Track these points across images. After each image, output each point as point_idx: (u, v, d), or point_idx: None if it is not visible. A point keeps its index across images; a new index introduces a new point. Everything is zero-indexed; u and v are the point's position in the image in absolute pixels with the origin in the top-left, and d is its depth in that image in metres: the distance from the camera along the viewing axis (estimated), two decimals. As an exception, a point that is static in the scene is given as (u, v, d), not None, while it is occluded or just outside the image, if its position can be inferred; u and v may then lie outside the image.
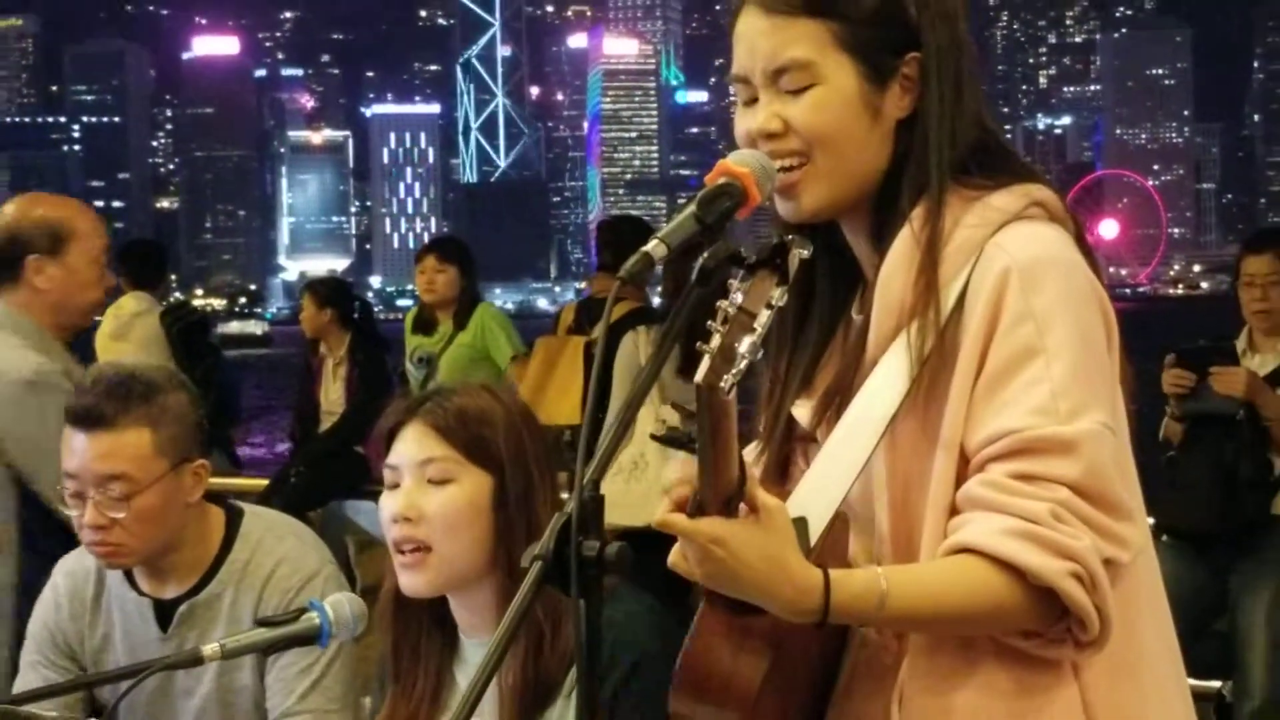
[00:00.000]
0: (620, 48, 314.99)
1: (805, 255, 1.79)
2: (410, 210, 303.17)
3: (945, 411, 1.93)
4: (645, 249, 1.83)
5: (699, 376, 1.71)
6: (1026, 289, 1.92)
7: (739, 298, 1.73)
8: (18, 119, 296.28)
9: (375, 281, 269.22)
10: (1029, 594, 1.86)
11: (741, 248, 1.80)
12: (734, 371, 1.71)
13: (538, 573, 1.77)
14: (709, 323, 1.72)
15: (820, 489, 1.96)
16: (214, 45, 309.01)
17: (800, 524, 1.89)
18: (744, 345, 1.72)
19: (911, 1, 2.01)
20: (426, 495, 2.49)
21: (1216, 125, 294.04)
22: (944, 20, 2.03)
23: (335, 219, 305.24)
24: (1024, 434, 1.88)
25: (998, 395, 1.91)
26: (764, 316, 1.73)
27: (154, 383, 3.01)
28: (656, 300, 6.76)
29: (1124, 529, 1.90)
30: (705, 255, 1.79)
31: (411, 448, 2.51)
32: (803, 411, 2.08)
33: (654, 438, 5.52)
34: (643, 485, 5.65)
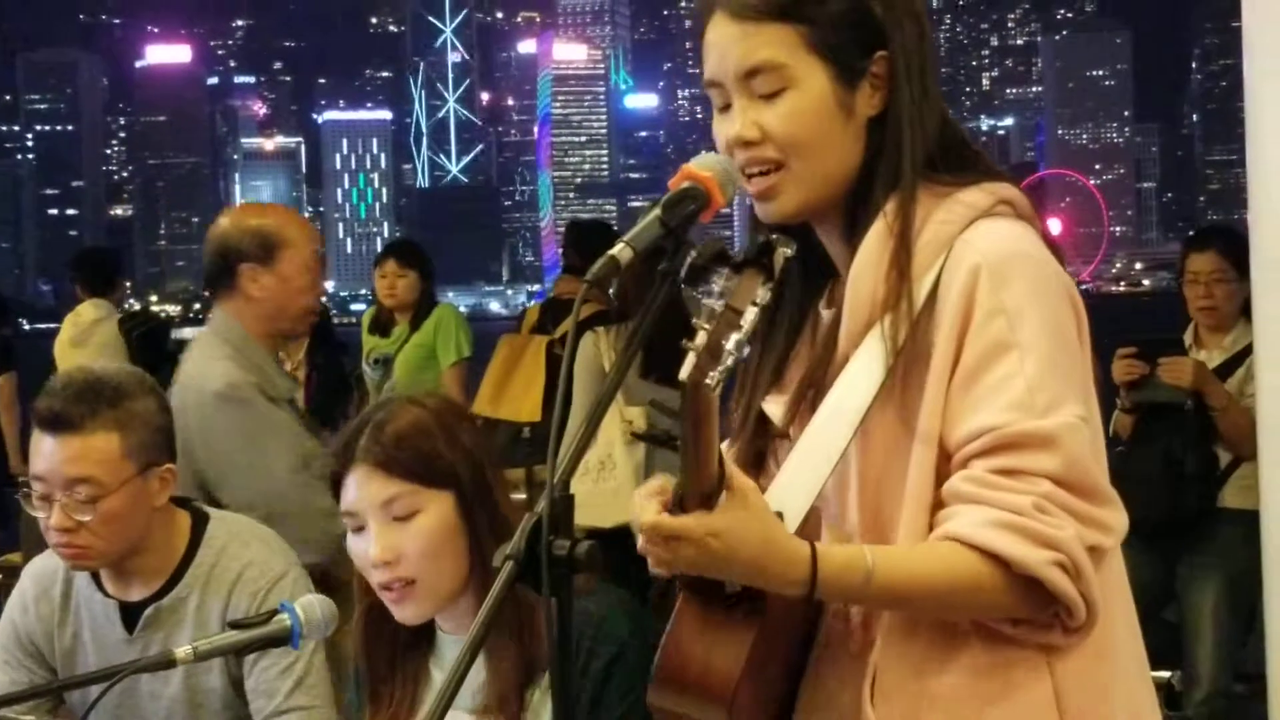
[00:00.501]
0: (569, 53, 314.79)
1: (790, 254, 1.80)
2: (363, 215, 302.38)
3: (921, 405, 1.94)
4: (611, 253, 1.85)
5: (684, 373, 1.71)
6: (997, 284, 1.93)
7: (725, 296, 1.74)
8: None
9: (330, 286, 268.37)
10: (1015, 583, 1.87)
11: (726, 247, 1.81)
12: (721, 369, 1.73)
13: (510, 572, 1.78)
14: (694, 320, 1.73)
15: (796, 484, 1.96)
16: (167, 54, 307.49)
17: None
18: (730, 343, 1.73)
19: (878, 2, 2.02)
20: (398, 533, 2.46)
21: (1156, 125, 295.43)
22: (910, 19, 2.05)
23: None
24: (1003, 430, 1.89)
25: (974, 390, 1.92)
26: (750, 314, 1.74)
27: (122, 387, 2.99)
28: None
29: (1106, 514, 1.93)
30: (695, 253, 1.80)
31: (366, 492, 2.48)
32: (775, 408, 2.09)
33: (635, 435, 5.54)
34: (610, 485, 5.65)
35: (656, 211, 1.92)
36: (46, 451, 2.94)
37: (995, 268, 1.94)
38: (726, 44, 2.04)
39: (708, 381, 1.72)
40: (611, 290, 5.86)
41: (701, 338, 1.71)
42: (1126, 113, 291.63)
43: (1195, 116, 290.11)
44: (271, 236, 4.05)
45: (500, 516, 2.48)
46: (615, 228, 8.36)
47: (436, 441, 2.48)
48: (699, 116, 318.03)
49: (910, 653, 1.98)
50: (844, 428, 1.95)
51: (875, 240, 1.99)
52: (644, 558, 1.85)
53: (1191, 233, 6.26)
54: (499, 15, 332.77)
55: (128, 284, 8.90)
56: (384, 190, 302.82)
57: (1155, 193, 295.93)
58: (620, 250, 1.86)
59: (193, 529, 3.11)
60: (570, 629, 1.79)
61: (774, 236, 1.81)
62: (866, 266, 1.99)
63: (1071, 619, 1.90)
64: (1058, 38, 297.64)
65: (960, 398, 1.93)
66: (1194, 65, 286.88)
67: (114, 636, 3.07)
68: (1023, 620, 1.92)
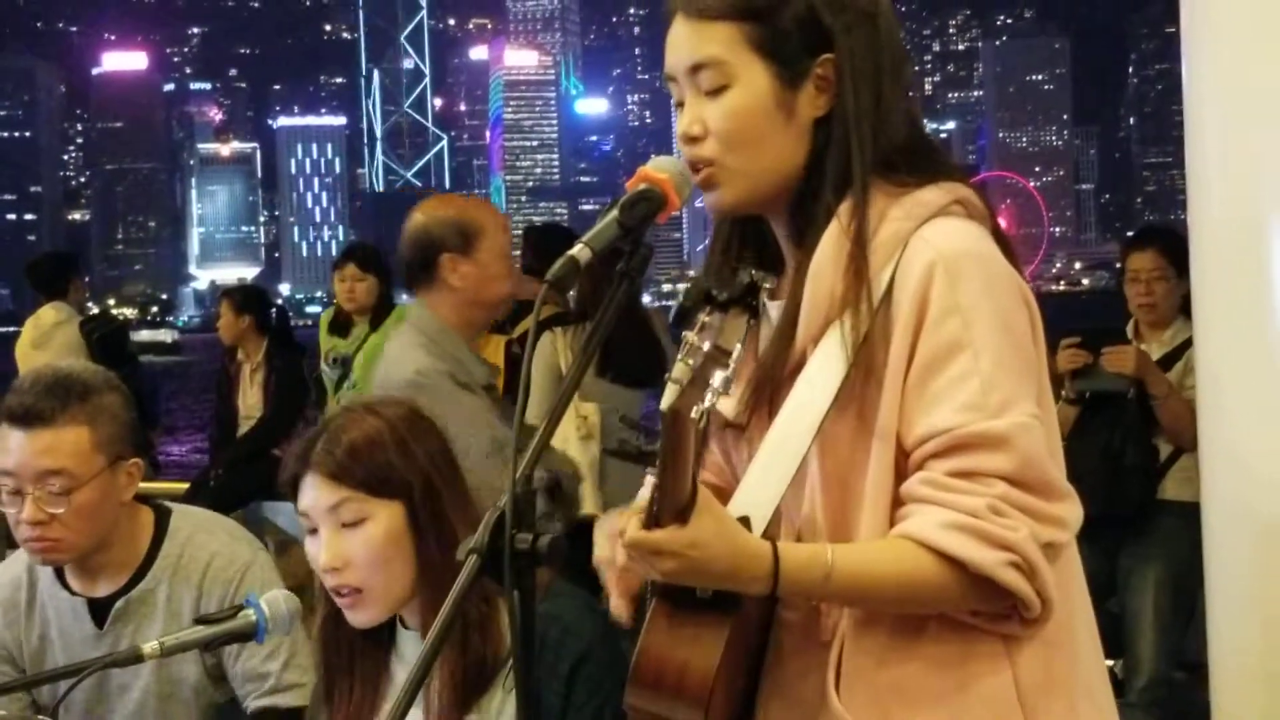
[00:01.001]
0: (520, 59, 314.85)
1: (769, 286, 1.85)
2: (318, 219, 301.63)
3: (880, 402, 1.94)
4: (571, 253, 1.86)
5: (665, 403, 1.74)
6: (952, 282, 1.92)
7: (712, 334, 1.77)
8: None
9: (285, 289, 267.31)
10: (971, 582, 1.88)
11: (712, 288, 1.84)
12: (707, 404, 1.78)
13: (474, 566, 1.78)
14: (680, 358, 1.76)
15: (762, 486, 1.96)
16: (123, 61, 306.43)
17: (744, 523, 1.90)
18: (717, 380, 1.77)
19: (826, 6, 2.01)
20: (345, 540, 2.45)
21: (1094, 128, 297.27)
22: (861, 23, 2.03)
23: (244, 229, 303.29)
24: (958, 432, 1.89)
25: (929, 388, 1.92)
26: (736, 352, 1.78)
27: (90, 383, 2.99)
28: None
29: (1060, 510, 1.93)
30: (682, 295, 1.84)
31: (316, 496, 2.47)
32: (726, 402, 2.08)
33: (607, 452, 5.60)
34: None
35: (614, 213, 1.92)
36: (16, 446, 2.92)
37: (950, 266, 1.94)
38: (679, 41, 2.06)
39: (692, 415, 1.76)
40: (570, 292, 5.88)
41: (685, 371, 1.74)
42: (1065, 116, 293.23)
43: (1132, 120, 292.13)
44: (470, 225, 4.05)
45: (448, 523, 2.48)
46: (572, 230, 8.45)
47: (389, 453, 2.47)
48: (648, 121, 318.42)
49: (874, 643, 1.98)
50: (806, 428, 1.94)
51: (831, 240, 1.98)
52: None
53: (1131, 233, 6.26)
54: (451, 22, 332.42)
55: (86, 287, 8.84)
56: (338, 194, 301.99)
57: (1093, 194, 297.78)
58: (579, 251, 1.87)
59: (156, 523, 3.10)
60: (534, 621, 1.79)
61: (756, 273, 1.83)
62: (824, 266, 1.98)
63: (1028, 612, 1.91)
64: (998, 43, 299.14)
65: (916, 396, 1.93)
66: (1130, 70, 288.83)
67: (82, 633, 3.06)
68: (981, 612, 1.93)
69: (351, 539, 2.45)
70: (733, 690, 1.98)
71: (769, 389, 2.02)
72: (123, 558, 3.05)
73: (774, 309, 2.06)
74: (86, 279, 9.01)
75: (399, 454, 2.47)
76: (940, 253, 1.95)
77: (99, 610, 3.06)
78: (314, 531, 2.48)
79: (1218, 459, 2.92)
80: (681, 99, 2.07)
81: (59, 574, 3.08)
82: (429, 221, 4.14)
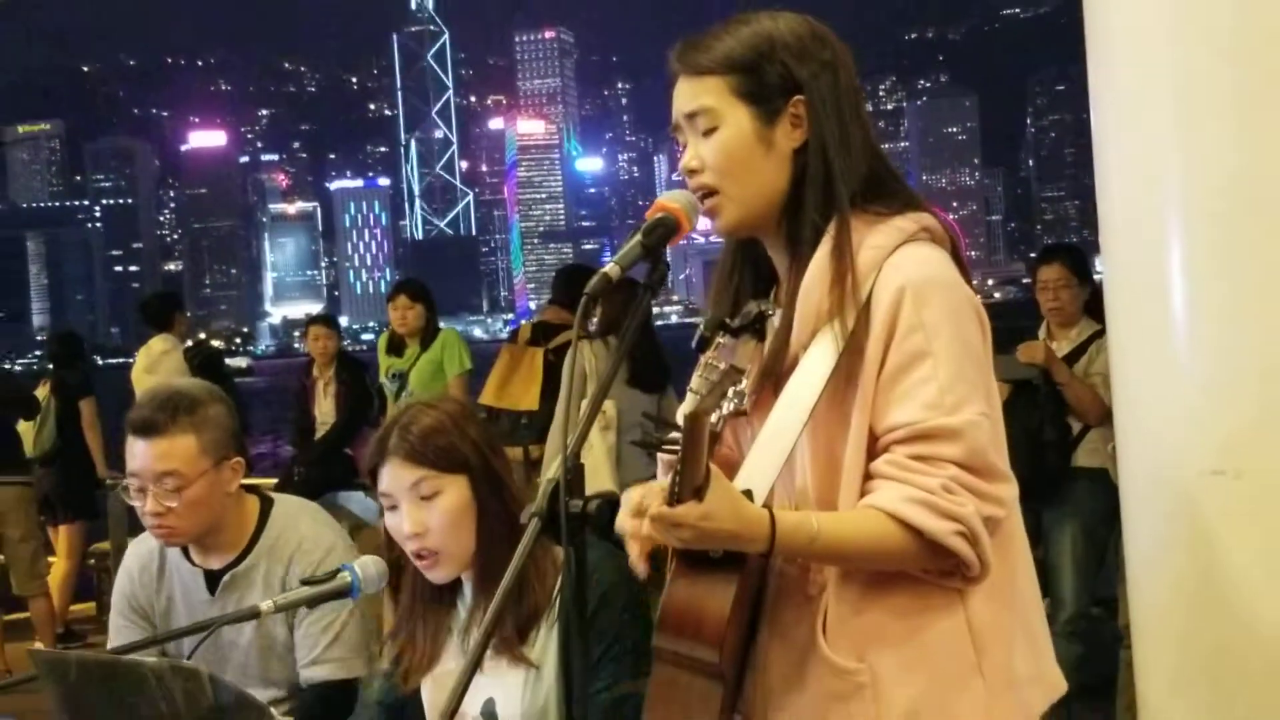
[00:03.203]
0: (530, 127, 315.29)
1: (773, 314, 1.87)
2: (369, 263, 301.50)
3: (857, 398, 1.95)
4: (604, 270, 1.87)
5: (685, 409, 1.77)
6: (918, 304, 1.93)
7: (727, 354, 1.78)
8: (49, 204, 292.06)
9: (344, 320, 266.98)
10: (926, 546, 1.89)
11: (726, 317, 1.85)
12: (726, 411, 1.89)
13: (535, 527, 1.79)
14: (699, 373, 1.77)
15: (762, 464, 1.96)
16: (206, 138, 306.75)
17: (747, 495, 1.91)
18: (732, 391, 1.81)
19: (796, 59, 2.03)
20: (424, 511, 2.45)
21: (1000, 169, 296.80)
22: (824, 70, 2.04)
23: (309, 272, 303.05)
24: (919, 425, 1.90)
25: (897, 389, 1.93)
26: (750, 370, 1.81)
27: (197, 398, 2.99)
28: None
29: (1000, 490, 1.94)
30: (702, 325, 1.84)
31: (398, 476, 2.47)
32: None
33: (634, 443, 5.79)
34: (589, 463, 5.72)
35: (638, 237, 1.93)
36: (139, 452, 2.93)
37: (917, 290, 1.94)
38: (679, 96, 2.07)
39: (712, 420, 1.81)
40: (594, 318, 6.03)
41: (701, 384, 1.76)
42: (976, 160, 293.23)
43: (1030, 162, 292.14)
44: None
45: (508, 488, 2.50)
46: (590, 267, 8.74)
47: (451, 436, 2.48)
48: (635, 175, 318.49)
49: (851, 595, 1.98)
50: (797, 419, 1.95)
51: (819, 263, 1.99)
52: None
53: (1035, 254, 6.26)
54: (473, 99, 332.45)
55: (188, 321, 8.89)
56: (385, 242, 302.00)
57: (1001, 223, 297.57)
58: (610, 268, 1.88)
59: (260, 509, 3.10)
60: (585, 569, 1.80)
61: (765, 307, 1.85)
62: (813, 284, 1.98)
63: (970, 572, 1.92)
64: (919, 103, 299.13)
65: (886, 395, 1.94)
66: (1028, 121, 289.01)
67: (200, 598, 3.06)
68: (931, 570, 1.94)
69: (429, 510, 2.45)
70: (739, 634, 1.98)
71: (768, 383, 2.02)
72: (232, 538, 3.05)
73: (777, 315, 2.07)
74: (184, 315, 9.00)
75: (459, 437, 2.48)
76: (909, 278, 1.95)
77: (212, 580, 3.06)
78: (394, 508, 2.48)
79: (1130, 432, 2.90)
80: (684, 143, 2.08)
81: (184, 550, 3.09)
82: None
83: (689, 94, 2.05)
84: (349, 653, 2.99)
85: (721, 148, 2.02)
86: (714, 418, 1.81)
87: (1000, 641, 2.00)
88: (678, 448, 1.80)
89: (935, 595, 1.97)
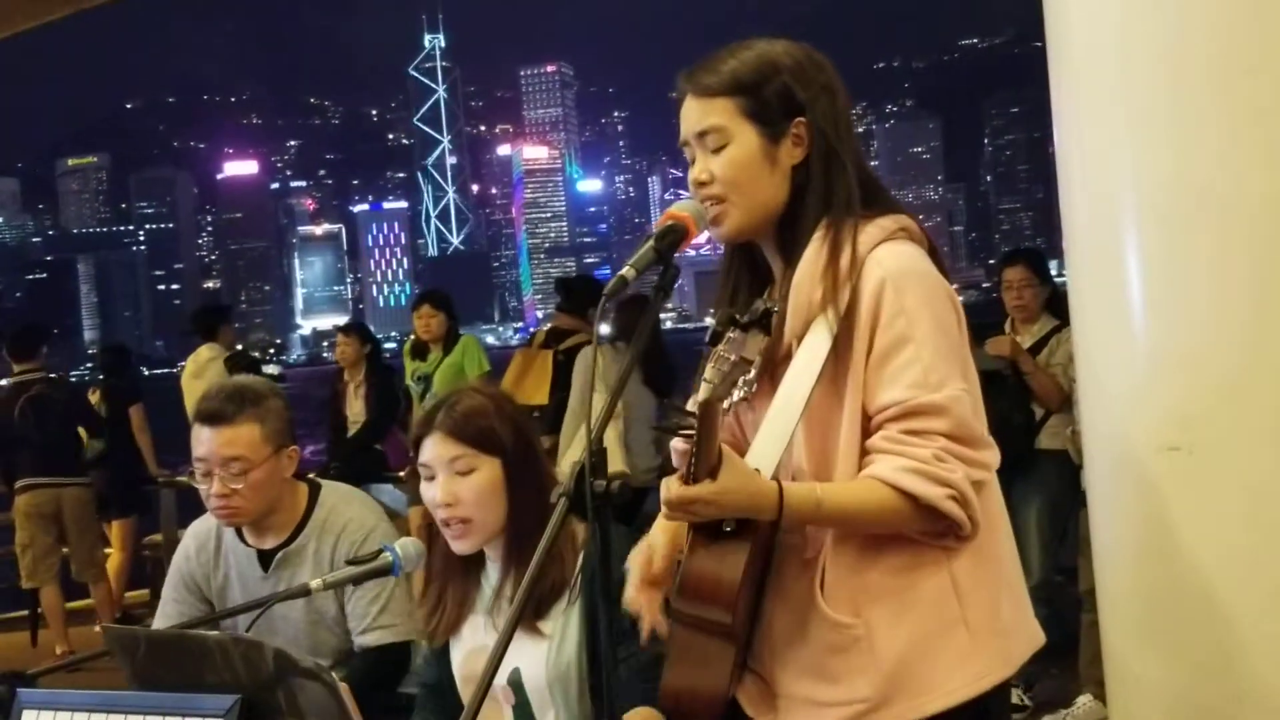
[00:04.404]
0: (535, 153, 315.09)
1: (775, 310, 1.88)
2: (390, 278, 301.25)
3: (848, 382, 1.96)
4: (620, 273, 1.89)
5: (701, 397, 1.80)
6: (899, 294, 1.95)
7: (737, 348, 1.81)
8: (97, 229, 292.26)
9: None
10: (921, 510, 1.91)
11: (737, 314, 1.87)
12: (735, 398, 1.94)
13: (564, 506, 1.80)
14: (710, 364, 1.80)
15: (768, 445, 1.97)
16: (239, 168, 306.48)
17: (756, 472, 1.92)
18: (742, 380, 1.84)
19: (797, 82, 2.04)
20: (458, 484, 2.45)
21: (961, 185, 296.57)
22: (824, 94, 2.05)
23: (335, 288, 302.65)
24: (908, 403, 1.92)
25: (885, 371, 1.94)
26: (758, 361, 1.83)
27: (260, 391, 3.01)
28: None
29: (985, 455, 1.96)
30: (714, 322, 1.86)
31: (438, 450, 2.48)
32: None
33: (654, 428, 5.89)
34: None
35: (650, 242, 1.94)
36: (206, 439, 2.94)
37: (897, 281, 1.96)
38: (689, 114, 2.07)
39: (723, 406, 1.84)
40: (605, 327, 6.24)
41: (714, 374, 1.79)
42: (939, 177, 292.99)
43: (989, 178, 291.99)
44: None
45: (541, 470, 2.50)
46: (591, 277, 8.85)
47: (491, 420, 2.48)
48: (632, 195, 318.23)
49: (846, 557, 2.00)
50: (798, 401, 1.96)
51: (810, 257, 2.00)
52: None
53: (1002, 255, 6.29)
54: (482, 128, 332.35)
55: (232, 331, 8.93)
56: (405, 259, 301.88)
57: (963, 234, 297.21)
58: (626, 271, 1.89)
59: (309, 495, 3.10)
60: (611, 544, 1.81)
61: (770, 303, 1.86)
62: (804, 279, 1.99)
63: (962, 531, 1.94)
64: (887, 125, 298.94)
65: (875, 377, 1.95)
66: (986, 141, 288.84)
67: (254, 575, 3.07)
68: (927, 531, 1.96)
69: (463, 483, 2.46)
70: (749, 597, 2.00)
71: (767, 371, 2.04)
72: (284, 520, 3.06)
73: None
74: (231, 325, 9.02)
75: (499, 421, 2.48)
76: (889, 271, 1.97)
77: (265, 559, 3.07)
78: (431, 479, 2.49)
79: (1094, 410, 2.92)
80: (693, 157, 2.09)
81: (239, 531, 3.09)
82: None
83: (699, 113, 2.06)
84: (398, 619, 3.01)
85: (731, 163, 2.03)
86: (726, 404, 1.83)
87: (982, 595, 2.01)
88: (692, 433, 1.81)
89: (923, 554, 1.98)
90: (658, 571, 2.05)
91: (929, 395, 1.92)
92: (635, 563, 2.02)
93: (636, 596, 2.04)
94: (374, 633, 2.99)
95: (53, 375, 8.03)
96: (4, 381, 8.21)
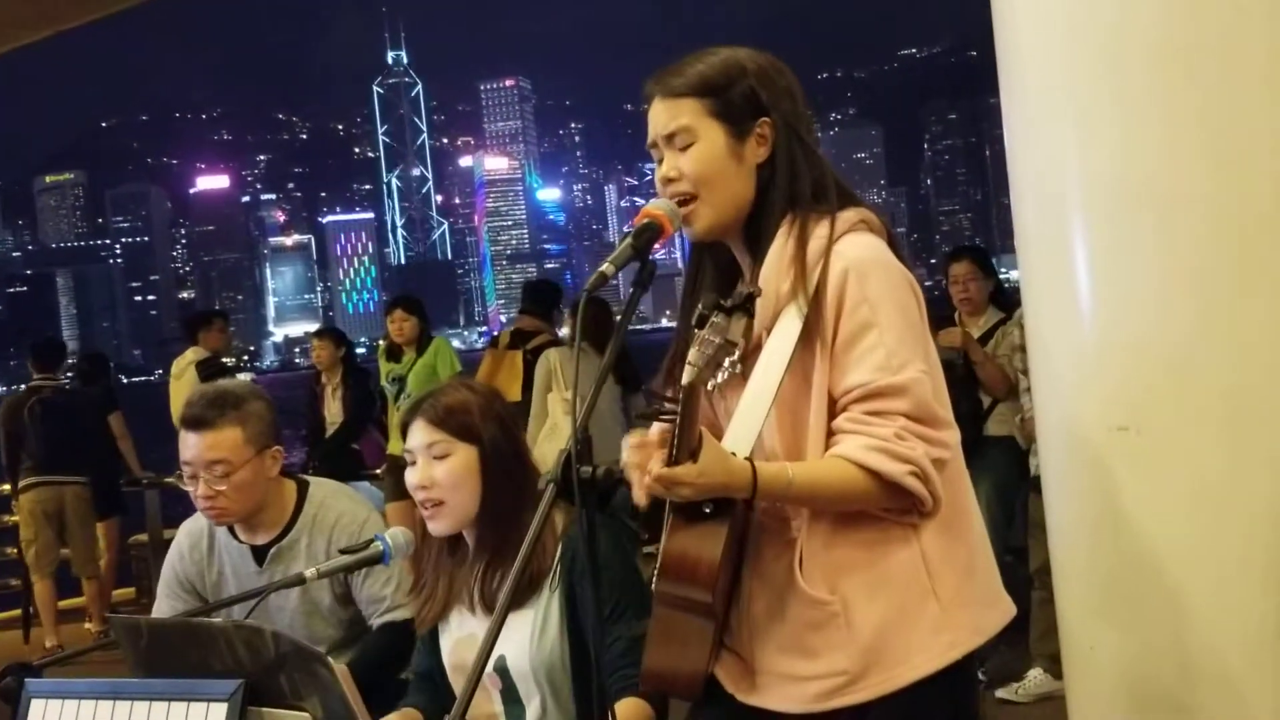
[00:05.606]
0: (496, 164, 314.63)
1: (758, 294, 1.85)
2: (358, 286, 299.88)
3: (814, 368, 1.97)
4: (600, 269, 1.88)
5: (685, 380, 1.78)
6: (861, 282, 1.95)
7: (721, 331, 1.78)
8: (75, 243, 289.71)
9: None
10: (885, 486, 1.91)
11: (721, 298, 1.82)
12: (719, 380, 1.92)
13: (551, 492, 1.79)
14: (694, 347, 1.78)
15: (743, 429, 1.97)
16: (211, 182, 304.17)
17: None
18: (726, 363, 1.81)
19: (761, 85, 2.05)
20: (434, 467, 2.47)
21: (903, 189, 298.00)
22: (785, 97, 2.07)
23: (306, 296, 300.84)
24: (870, 385, 1.92)
25: (849, 356, 1.95)
26: (741, 344, 1.80)
27: (241, 395, 2.98)
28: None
29: (945, 435, 1.97)
30: (701, 306, 1.81)
31: (419, 436, 2.50)
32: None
33: (638, 416, 5.84)
34: (555, 445, 5.93)
35: (629, 239, 1.94)
36: (191, 444, 2.92)
37: (859, 270, 1.96)
38: (658, 116, 2.07)
39: (707, 387, 1.83)
40: (575, 328, 6.24)
41: (698, 357, 1.77)
42: (882, 181, 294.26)
43: (929, 182, 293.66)
44: None
45: (521, 461, 2.51)
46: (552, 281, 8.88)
47: (472, 410, 2.50)
48: (589, 203, 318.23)
49: (821, 534, 2.00)
50: (770, 387, 1.96)
51: (777, 250, 2.01)
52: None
53: (950, 250, 6.33)
54: (444, 140, 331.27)
55: (216, 336, 8.87)
56: (372, 268, 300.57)
57: (905, 235, 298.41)
58: (606, 268, 1.89)
59: (298, 491, 3.08)
60: (596, 527, 1.81)
61: (754, 288, 1.83)
62: (773, 270, 2.00)
63: (924, 507, 1.95)
64: (832, 133, 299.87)
65: (840, 361, 1.95)
66: (925, 147, 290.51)
67: (248, 570, 3.04)
68: (891, 508, 1.97)
69: (438, 467, 2.47)
70: (728, 577, 2.00)
71: (741, 362, 2.04)
72: (274, 517, 3.04)
73: None
74: (217, 330, 8.95)
75: (479, 414, 2.50)
76: (851, 261, 1.97)
77: (259, 554, 3.04)
78: (413, 463, 2.51)
79: (1046, 393, 2.94)
80: (661, 158, 2.09)
81: (231, 528, 3.07)
82: None
83: (668, 114, 2.05)
84: (406, 595, 2.98)
85: (699, 160, 2.03)
86: (710, 385, 1.82)
87: (951, 568, 2.02)
88: (674, 416, 1.81)
89: (893, 530, 1.99)
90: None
91: (890, 377, 1.92)
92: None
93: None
94: (397, 610, 2.98)
95: (66, 384, 8.39)
96: (21, 386, 8.47)
